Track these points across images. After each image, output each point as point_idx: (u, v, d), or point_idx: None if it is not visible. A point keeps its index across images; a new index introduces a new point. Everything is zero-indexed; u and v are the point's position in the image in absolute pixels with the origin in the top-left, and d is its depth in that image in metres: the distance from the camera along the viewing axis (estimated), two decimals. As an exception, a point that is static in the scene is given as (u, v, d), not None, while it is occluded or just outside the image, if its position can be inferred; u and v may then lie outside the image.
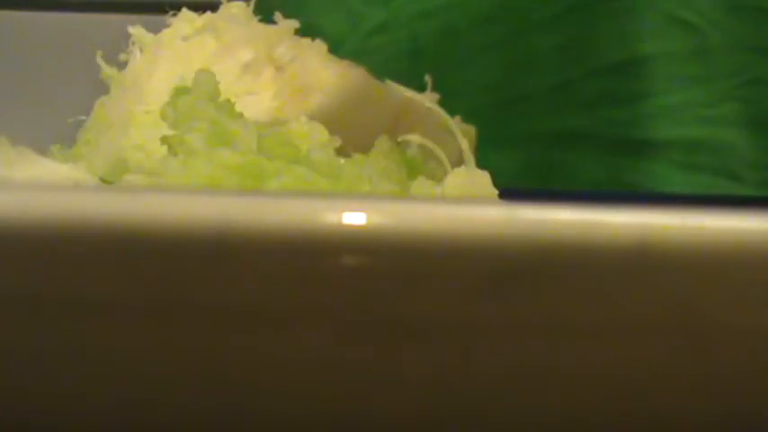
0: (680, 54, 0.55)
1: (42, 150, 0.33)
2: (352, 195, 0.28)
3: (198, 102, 0.29)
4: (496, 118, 0.55)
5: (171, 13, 0.36)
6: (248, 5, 0.36)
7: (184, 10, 0.36)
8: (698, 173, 0.54)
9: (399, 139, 0.31)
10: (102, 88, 0.36)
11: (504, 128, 0.55)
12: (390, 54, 0.56)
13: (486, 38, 0.56)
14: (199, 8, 0.37)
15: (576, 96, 0.55)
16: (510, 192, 0.31)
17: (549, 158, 0.55)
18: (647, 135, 0.55)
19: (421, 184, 0.31)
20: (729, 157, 0.55)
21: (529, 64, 0.55)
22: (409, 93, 0.37)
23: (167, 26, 0.36)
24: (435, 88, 0.41)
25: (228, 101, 0.29)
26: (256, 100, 0.34)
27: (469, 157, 0.36)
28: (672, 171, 0.55)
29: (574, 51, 0.56)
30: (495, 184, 0.33)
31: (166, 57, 0.35)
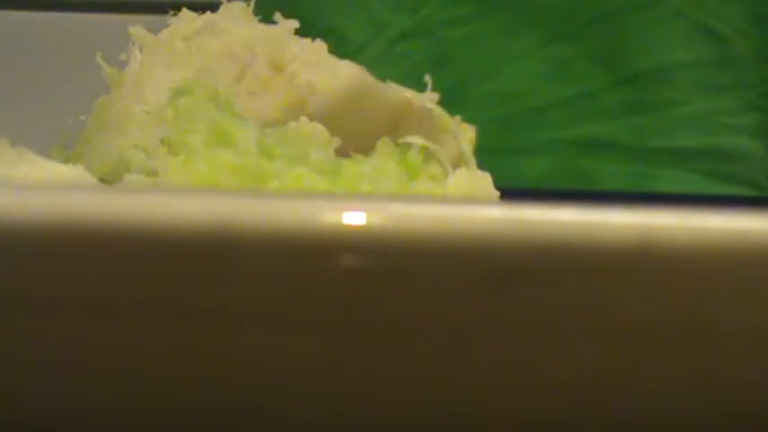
0: (706, 63, 0.55)
1: (42, 150, 0.33)
2: (352, 195, 0.28)
3: (198, 102, 0.29)
4: (523, 126, 0.55)
5: (171, 13, 0.36)
6: (248, 5, 0.36)
7: (184, 10, 0.36)
8: (722, 181, 0.54)
9: (400, 141, 0.31)
10: (103, 88, 0.36)
11: (531, 135, 0.55)
12: (415, 62, 0.55)
13: (514, 47, 0.56)
14: (199, 8, 0.37)
15: (603, 105, 0.55)
16: (510, 192, 0.31)
17: (574, 166, 0.55)
18: (672, 143, 0.55)
19: (421, 185, 0.31)
20: (753, 165, 0.55)
21: (556, 73, 0.56)
22: (409, 93, 0.37)
23: (167, 26, 0.36)
24: (461, 96, 0.41)
25: (228, 101, 0.29)
26: (256, 100, 0.34)
27: (470, 157, 0.36)
28: (696, 179, 0.54)
29: (602, 60, 0.55)
30: (497, 188, 0.33)
31: (166, 57, 0.35)
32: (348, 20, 0.56)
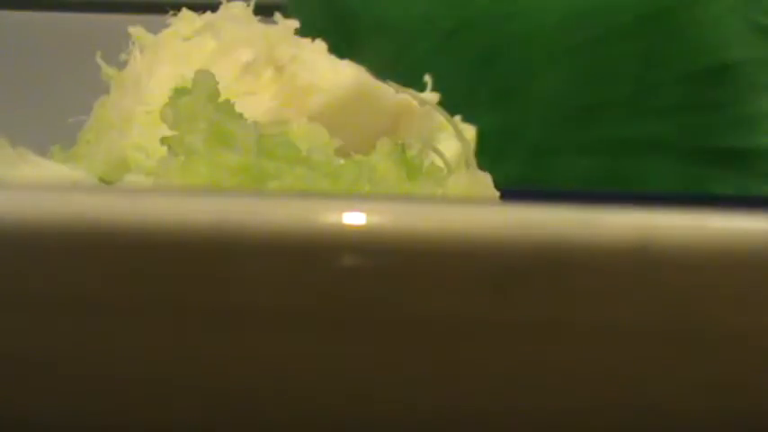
0: (764, 62, 0.54)
1: (42, 151, 0.33)
2: (352, 195, 0.28)
3: (198, 102, 0.29)
4: (573, 125, 0.54)
5: (171, 13, 0.36)
6: (248, 5, 0.36)
7: (184, 10, 0.36)
8: None
9: (400, 141, 0.31)
10: (103, 88, 0.36)
11: (581, 134, 0.54)
12: (467, 56, 0.54)
13: (565, 43, 0.55)
14: (199, 8, 0.37)
15: (655, 103, 0.54)
16: (510, 192, 0.31)
17: (624, 166, 0.54)
18: (729, 144, 0.54)
19: (422, 185, 0.31)
20: None
21: (608, 71, 0.55)
22: (409, 93, 0.37)
23: (167, 26, 0.36)
24: (512, 94, 0.40)
25: (228, 101, 0.29)
26: (256, 100, 0.34)
27: (471, 157, 0.36)
28: (753, 182, 0.54)
29: (654, 58, 0.55)
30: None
31: (166, 57, 0.35)
32: (400, 11, 0.55)
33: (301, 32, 0.36)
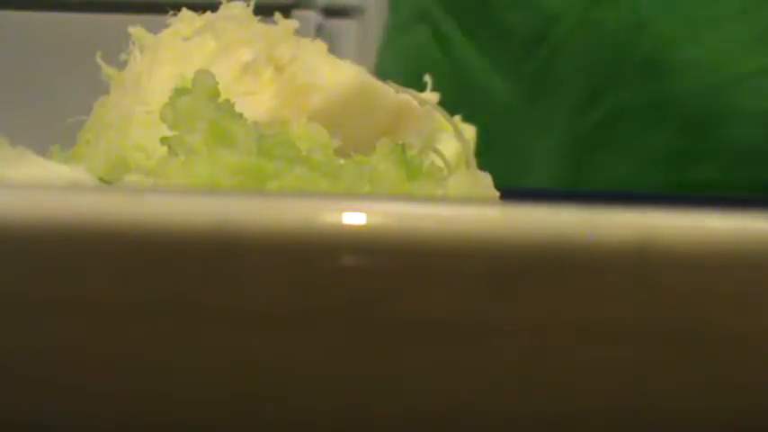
0: None
1: (42, 150, 0.33)
2: (352, 195, 0.28)
3: (198, 102, 0.29)
4: (725, 95, 0.51)
5: (171, 13, 0.36)
6: (248, 5, 0.36)
7: (184, 10, 0.36)
8: None
9: (400, 141, 0.31)
10: (102, 88, 0.36)
11: (732, 106, 0.51)
12: (610, 28, 0.51)
13: (714, 12, 0.51)
14: (199, 8, 0.37)
15: None
16: (510, 192, 0.31)
17: None
18: None
19: (422, 185, 0.31)
20: None
21: (759, 40, 0.51)
22: (409, 93, 0.37)
23: (167, 26, 0.36)
24: (659, 65, 0.37)
25: (228, 101, 0.29)
26: (256, 100, 0.34)
27: (471, 157, 0.36)
28: None
29: None
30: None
31: (166, 57, 0.35)
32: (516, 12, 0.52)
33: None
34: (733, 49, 0.52)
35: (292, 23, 0.36)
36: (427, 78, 0.39)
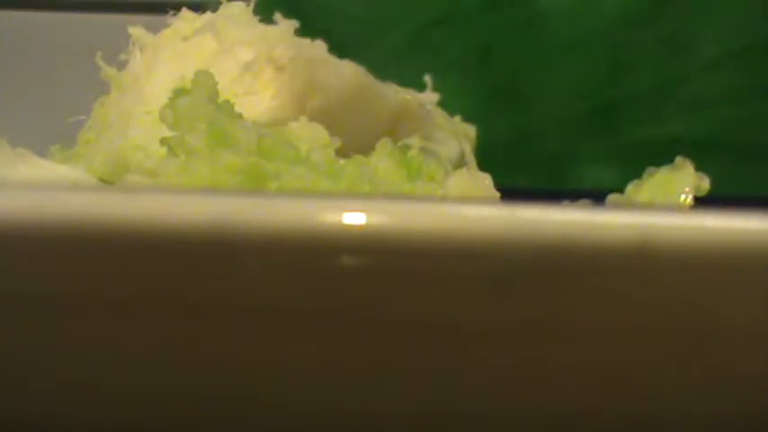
0: None
1: (42, 151, 0.33)
2: (352, 195, 0.28)
3: (198, 102, 0.29)
4: (591, 127, 0.48)
5: (171, 13, 0.36)
6: (248, 5, 0.36)
7: (184, 10, 0.36)
8: None
9: (400, 143, 0.31)
10: (103, 88, 0.36)
11: (603, 138, 0.48)
12: (454, 52, 0.48)
13: (575, 29, 0.48)
14: (199, 8, 0.37)
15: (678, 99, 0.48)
16: (510, 192, 0.31)
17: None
18: None
19: (422, 185, 0.31)
20: None
21: (626, 61, 0.48)
22: (409, 93, 0.37)
23: (167, 26, 0.36)
24: (512, 90, 0.37)
25: (228, 101, 0.29)
26: (256, 100, 0.34)
27: (470, 158, 0.36)
28: None
29: (676, 48, 0.48)
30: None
31: (166, 57, 0.35)
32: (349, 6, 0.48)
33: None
34: (593, 75, 0.49)
35: (292, 23, 0.36)
36: (427, 78, 0.39)
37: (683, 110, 0.48)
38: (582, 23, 0.48)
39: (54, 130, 0.36)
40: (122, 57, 0.36)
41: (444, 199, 0.29)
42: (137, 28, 0.36)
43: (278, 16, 0.36)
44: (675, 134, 0.48)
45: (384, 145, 0.31)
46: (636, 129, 0.49)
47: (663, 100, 0.49)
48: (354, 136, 0.33)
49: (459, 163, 0.35)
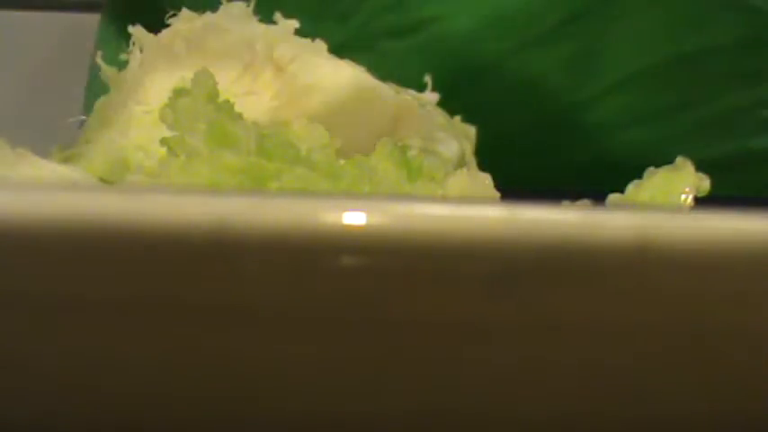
0: None
1: (42, 151, 0.33)
2: (352, 195, 0.28)
3: (198, 102, 0.29)
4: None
5: (171, 13, 0.36)
6: (248, 5, 0.36)
7: (184, 10, 0.36)
8: None
9: (400, 143, 0.31)
10: (103, 88, 0.36)
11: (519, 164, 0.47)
12: None
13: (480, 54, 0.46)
14: (199, 8, 0.37)
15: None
16: (510, 192, 0.31)
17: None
18: None
19: (422, 186, 0.31)
20: None
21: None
22: (410, 93, 0.37)
23: (167, 26, 0.36)
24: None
25: (228, 102, 0.29)
26: (256, 100, 0.34)
27: (470, 157, 0.36)
28: None
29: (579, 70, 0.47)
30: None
31: (166, 57, 0.35)
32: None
33: None
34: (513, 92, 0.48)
35: (292, 23, 0.36)
36: (427, 78, 0.39)
37: (587, 134, 0.47)
38: (490, 45, 0.47)
39: (54, 130, 0.37)
40: (122, 57, 0.36)
41: (444, 199, 0.29)
42: (137, 28, 0.36)
43: (278, 16, 0.36)
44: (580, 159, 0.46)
45: (384, 145, 0.31)
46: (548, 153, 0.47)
47: (570, 125, 0.47)
48: (354, 136, 0.33)
49: (460, 163, 0.35)
